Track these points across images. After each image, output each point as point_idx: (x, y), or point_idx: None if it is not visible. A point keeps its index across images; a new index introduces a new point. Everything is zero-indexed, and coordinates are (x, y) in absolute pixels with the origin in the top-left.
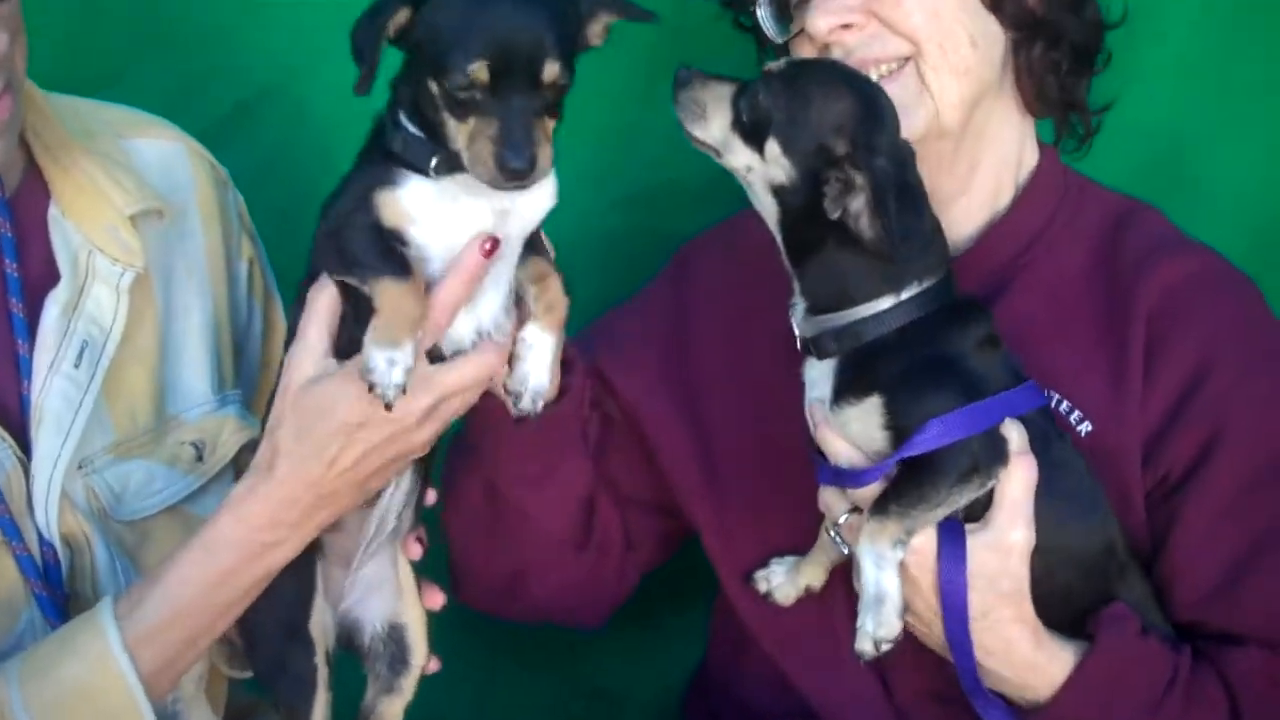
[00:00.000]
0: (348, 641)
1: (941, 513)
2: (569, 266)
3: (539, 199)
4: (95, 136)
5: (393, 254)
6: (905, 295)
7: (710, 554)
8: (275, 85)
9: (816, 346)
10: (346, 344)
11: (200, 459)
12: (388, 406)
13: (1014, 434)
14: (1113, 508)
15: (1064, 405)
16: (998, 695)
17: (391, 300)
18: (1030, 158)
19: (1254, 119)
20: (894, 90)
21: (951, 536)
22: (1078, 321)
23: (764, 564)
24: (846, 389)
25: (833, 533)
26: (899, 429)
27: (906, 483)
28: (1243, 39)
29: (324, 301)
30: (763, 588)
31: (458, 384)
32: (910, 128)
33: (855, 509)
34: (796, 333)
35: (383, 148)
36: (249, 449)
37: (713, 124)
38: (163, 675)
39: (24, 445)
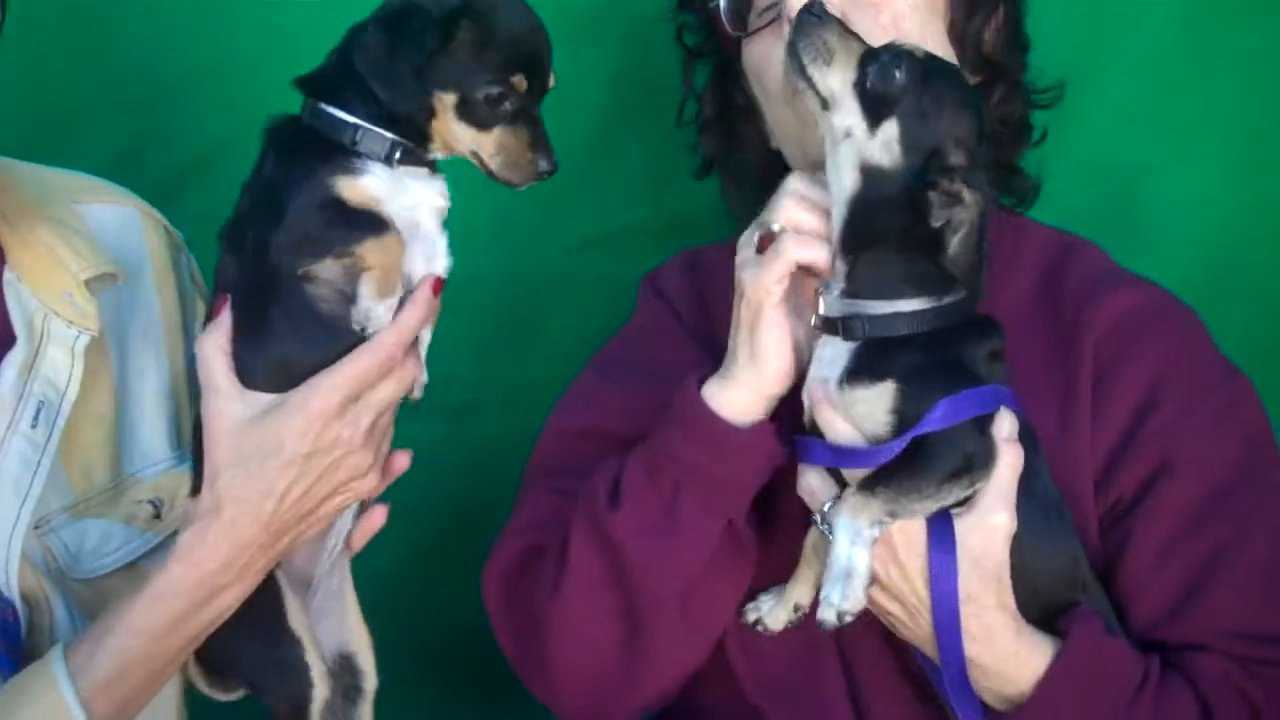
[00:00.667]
0: None
1: (928, 506)
2: (525, 309)
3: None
4: (51, 202)
5: (360, 215)
6: (944, 301)
7: None
8: (225, 143)
9: (845, 328)
10: (273, 381)
11: (158, 516)
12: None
13: (1006, 422)
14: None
15: None
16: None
17: (379, 255)
18: None
19: (1199, 154)
20: None
21: (940, 522)
22: (1024, 359)
23: (750, 597)
24: (862, 372)
25: (819, 519)
26: (904, 417)
27: (899, 468)
28: (1185, 74)
29: (213, 344)
30: (751, 618)
31: (368, 371)
32: None
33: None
34: (821, 311)
35: (315, 145)
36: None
37: (833, 73)
38: None
39: None
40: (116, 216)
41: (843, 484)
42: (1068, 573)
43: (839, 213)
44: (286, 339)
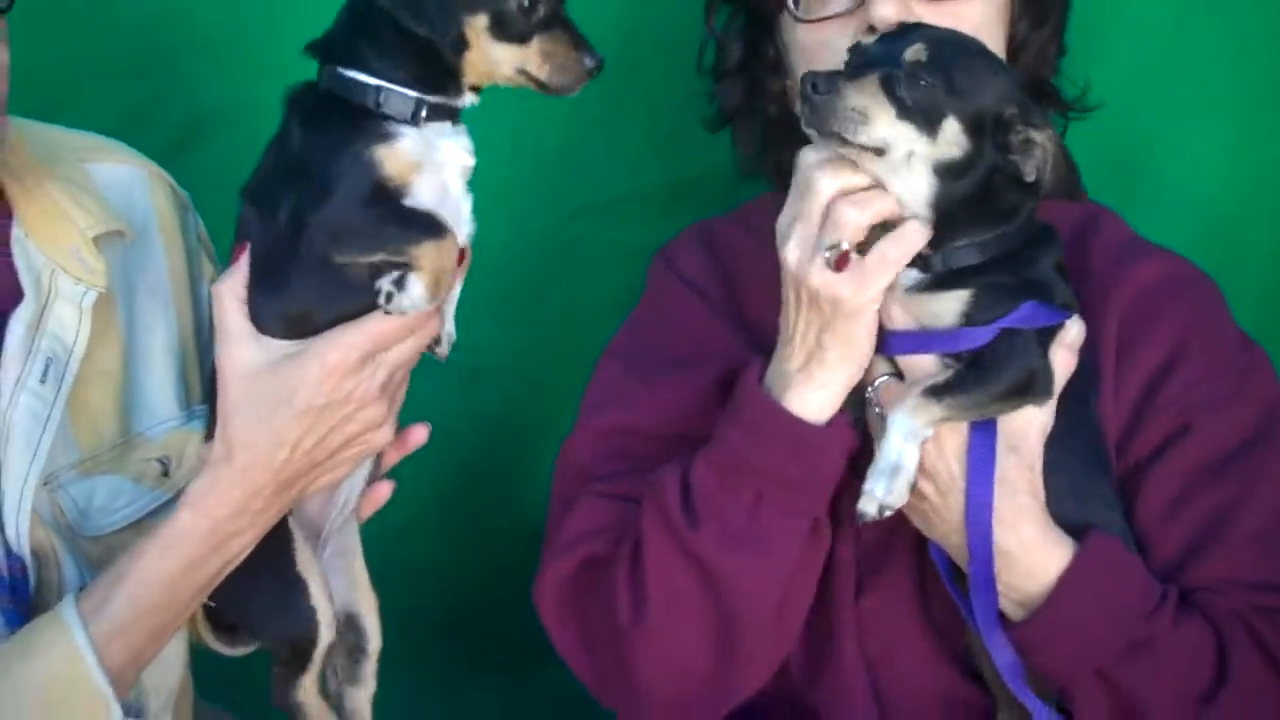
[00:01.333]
0: None
1: (985, 414)
2: (531, 275)
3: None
4: (59, 160)
5: (418, 215)
6: (1012, 225)
7: None
8: (228, 106)
9: (924, 262)
10: (289, 334)
11: (166, 474)
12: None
13: (1074, 329)
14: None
15: None
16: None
17: (435, 259)
18: None
19: (1206, 118)
20: None
21: None
22: None
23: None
24: (937, 283)
25: (869, 391)
26: (972, 320)
27: (965, 378)
28: (1193, 36)
29: (229, 289)
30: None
31: (387, 333)
32: None
33: (894, 373)
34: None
35: (340, 111)
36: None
37: (877, 124)
38: (129, 670)
39: None
40: (124, 175)
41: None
42: (1092, 505)
43: (912, 198)
44: (307, 295)
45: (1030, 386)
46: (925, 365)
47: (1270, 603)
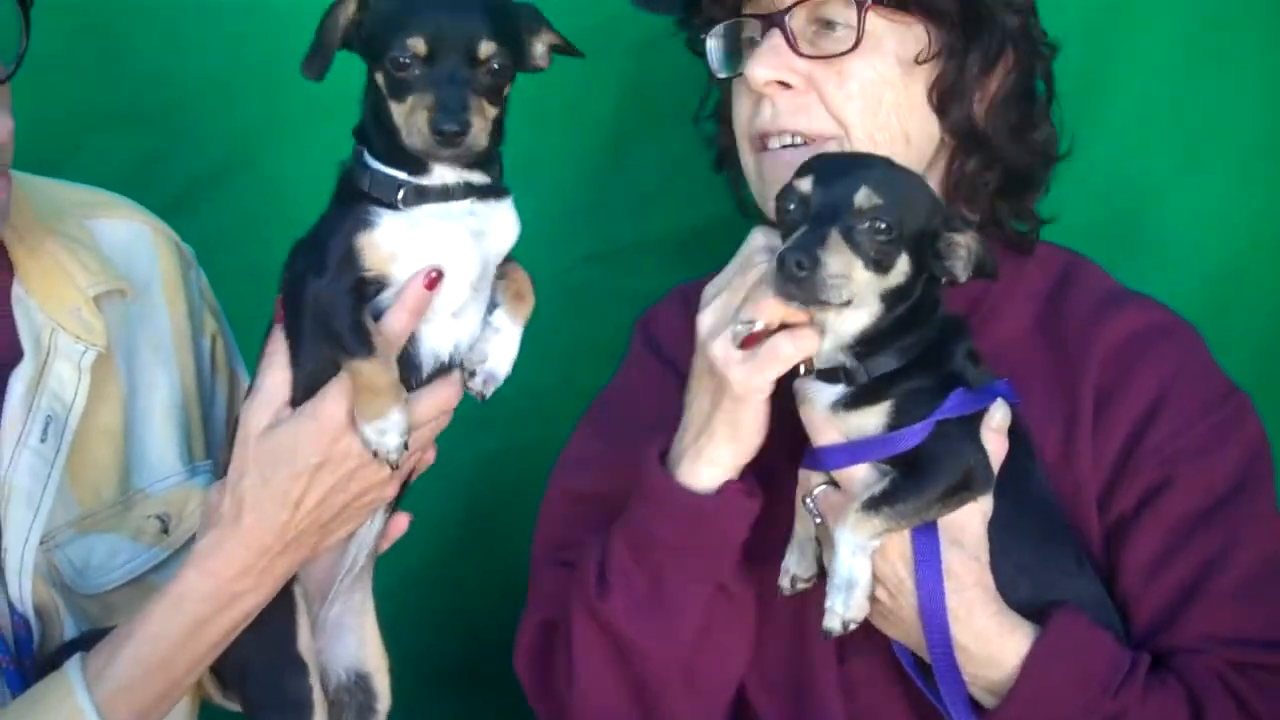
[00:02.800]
0: None
1: (927, 517)
2: (538, 321)
3: (509, 221)
4: (62, 217)
5: (362, 329)
6: (929, 324)
7: None
8: (234, 159)
9: (847, 375)
10: (302, 394)
11: (165, 531)
12: (393, 467)
13: (998, 414)
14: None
15: None
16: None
17: (365, 380)
18: None
19: (1205, 168)
20: (800, 158)
21: None
22: (1025, 382)
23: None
24: (860, 398)
25: (808, 502)
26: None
27: (901, 486)
28: (1195, 87)
29: (279, 357)
30: (785, 582)
31: (419, 420)
32: None
33: (829, 481)
34: (817, 365)
35: (351, 190)
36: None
37: (854, 282)
38: None
39: None
40: (127, 232)
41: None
42: (1051, 576)
43: (853, 331)
44: (313, 359)
45: (969, 482)
46: (859, 475)
47: (1249, 658)
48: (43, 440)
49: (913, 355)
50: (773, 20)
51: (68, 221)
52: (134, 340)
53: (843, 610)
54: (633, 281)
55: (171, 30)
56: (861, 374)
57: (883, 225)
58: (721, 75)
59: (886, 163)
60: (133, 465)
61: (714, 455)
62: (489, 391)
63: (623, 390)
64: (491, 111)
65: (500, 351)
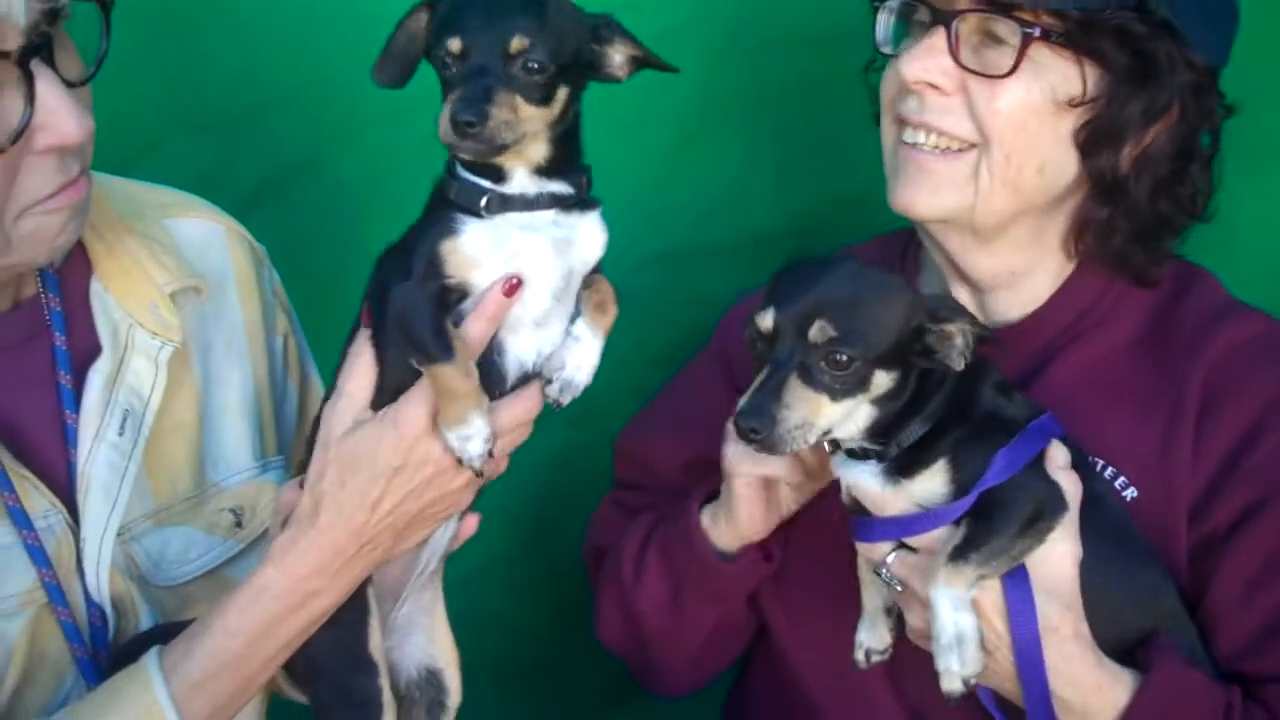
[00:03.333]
0: None
1: (1017, 558)
2: None
3: (596, 232)
4: (140, 216)
5: (442, 334)
6: (945, 387)
7: (765, 605)
8: (303, 162)
9: (878, 454)
10: (388, 398)
11: (239, 525)
12: (478, 474)
13: (1060, 454)
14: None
15: (1109, 471)
16: None
17: (445, 383)
18: (1067, 266)
19: (1269, 169)
20: (941, 166)
21: None
22: (1125, 391)
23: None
24: (910, 466)
25: (882, 573)
26: (962, 484)
27: (979, 530)
28: (1266, 92)
29: (364, 360)
30: (860, 656)
31: (501, 429)
32: (939, 206)
33: (901, 545)
34: (842, 449)
35: (441, 199)
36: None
37: (820, 422)
38: None
39: (72, 511)
40: (202, 231)
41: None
42: (1146, 598)
43: (853, 434)
44: (400, 364)
45: (1043, 511)
46: (926, 539)
47: None
48: (120, 434)
49: (940, 413)
50: (942, 19)
51: (146, 220)
52: (208, 337)
53: (960, 668)
54: (695, 284)
55: (245, 36)
56: (892, 448)
57: (842, 358)
58: (886, 50)
59: (851, 275)
60: (207, 459)
61: (721, 525)
62: (565, 400)
63: (690, 376)
64: (531, 110)
65: (579, 360)
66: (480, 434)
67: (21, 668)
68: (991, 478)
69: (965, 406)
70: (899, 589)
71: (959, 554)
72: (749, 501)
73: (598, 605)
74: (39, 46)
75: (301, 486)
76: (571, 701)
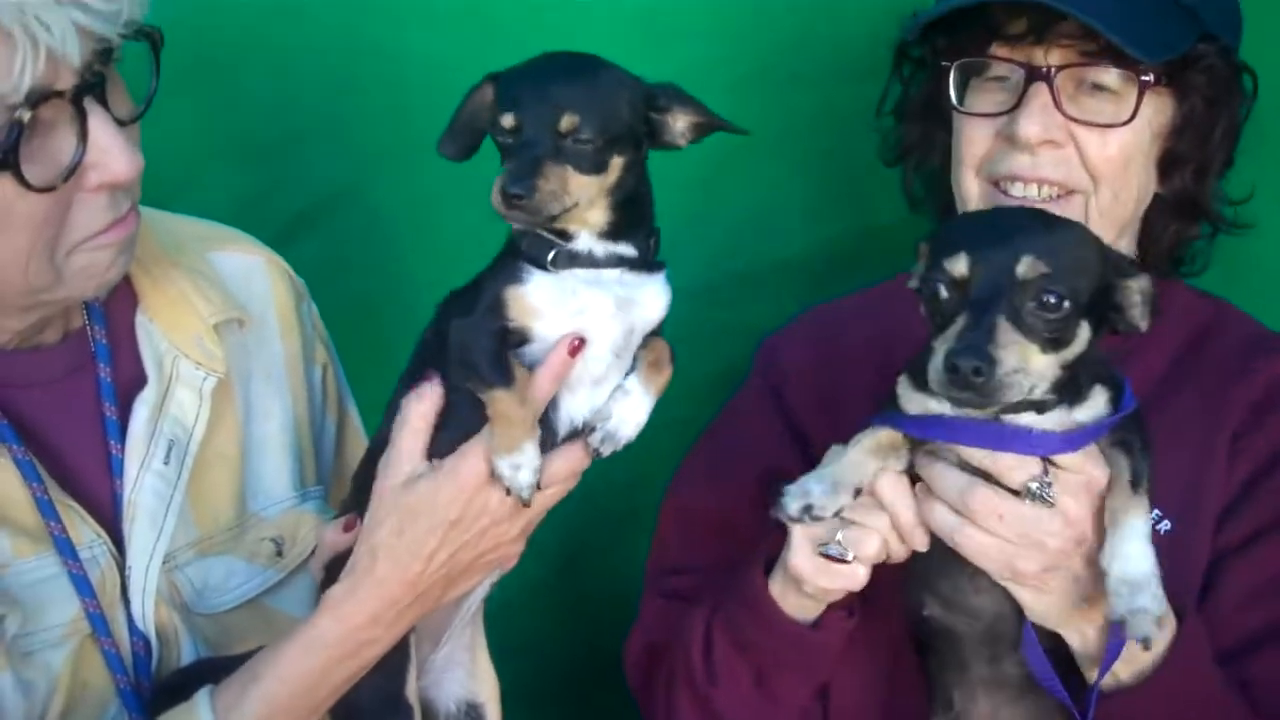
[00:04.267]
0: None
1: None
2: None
3: (659, 294)
4: (184, 249)
5: (503, 362)
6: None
7: None
8: (343, 192)
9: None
10: (444, 447)
11: (280, 554)
12: (525, 504)
13: None
14: (1178, 595)
15: None
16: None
17: (502, 409)
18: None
19: None
20: (1053, 208)
21: None
22: (1157, 421)
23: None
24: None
25: (1037, 489)
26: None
27: (1133, 452)
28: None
29: (419, 411)
30: (797, 507)
31: (548, 480)
32: None
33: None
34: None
35: (511, 249)
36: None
37: (1031, 371)
38: None
39: (116, 541)
40: (244, 264)
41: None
42: None
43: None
44: (463, 412)
45: (1148, 442)
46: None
47: None
48: (166, 463)
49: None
50: (1040, 75)
51: (189, 253)
52: (250, 368)
53: (1155, 606)
54: (726, 316)
55: (283, 66)
56: (1052, 402)
57: (1053, 299)
58: (959, 106)
59: (1044, 217)
60: (248, 489)
61: (795, 601)
62: (606, 451)
63: (736, 413)
64: (583, 180)
65: (626, 414)
66: (531, 464)
67: (65, 699)
68: (1127, 401)
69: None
70: (1049, 499)
71: (1136, 480)
72: (829, 596)
73: (670, 708)
74: (92, 85)
75: (346, 529)
76: None
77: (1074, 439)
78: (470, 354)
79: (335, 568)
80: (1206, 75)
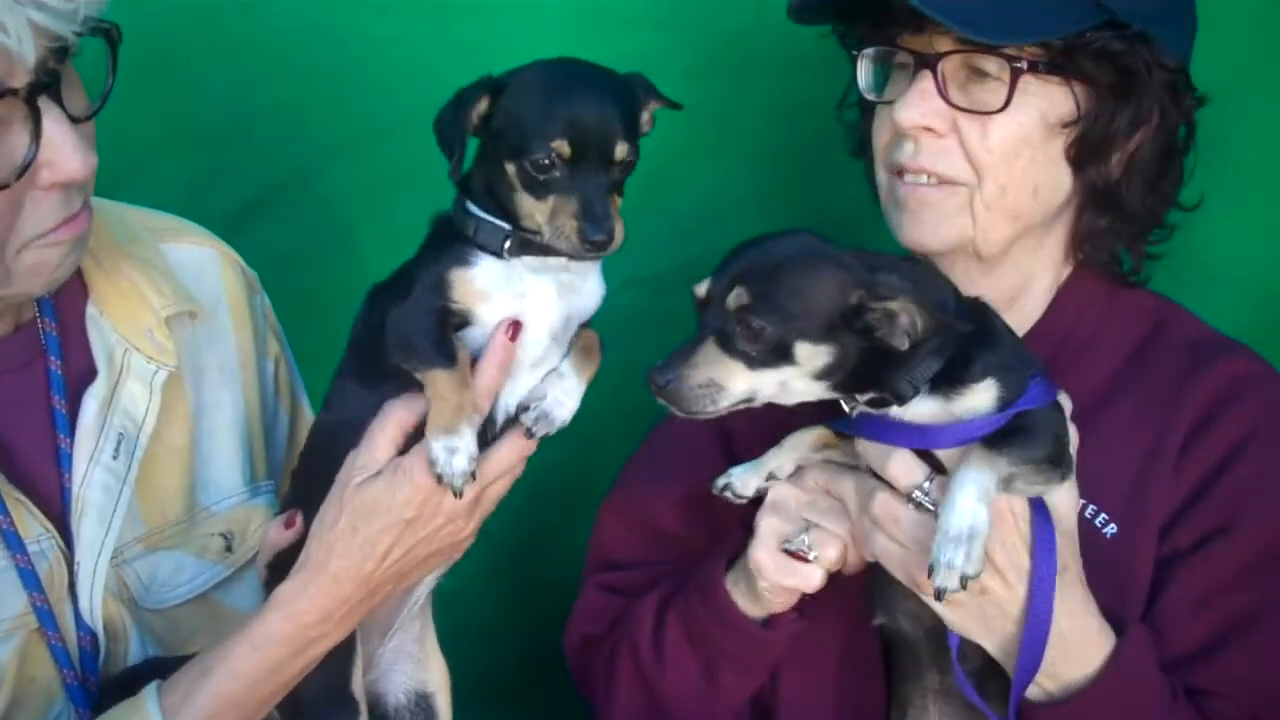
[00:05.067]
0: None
1: (1038, 485)
2: None
3: (597, 283)
4: (136, 241)
5: (445, 343)
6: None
7: None
8: (295, 178)
9: (897, 397)
10: (350, 433)
11: (229, 549)
12: (457, 494)
13: (1065, 399)
14: (1121, 598)
15: (1089, 510)
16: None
17: (442, 390)
18: (1064, 270)
19: (1250, 196)
20: (935, 197)
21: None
22: (1104, 424)
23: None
24: (955, 384)
25: (919, 496)
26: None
27: (1014, 438)
28: (1239, 115)
29: (397, 416)
30: (721, 483)
31: (496, 470)
32: (939, 238)
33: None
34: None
35: (450, 235)
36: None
37: (733, 386)
38: None
39: (64, 535)
40: (196, 256)
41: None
42: None
43: (813, 396)
44: (391, 395)
45: (1062, 454)
46: (954, 453)
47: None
48: (115, 457)
49: (953, 348)
50: (926, 62)
51: (141, 244)
52: (201, 361)
53: (964, 563)
54: (677, 303)
55: (234, 52)
56: (908, 390)
57: (754, 325)
58: (870, 97)
59: (787, 246)
60: (198, 484)
61: (757, 594)
62: (540, 431)
63: (669, 427)
64: (619, 202)
65: (560, 395)
66: (468, 451)
67: (10, 692)
68: (1025, 402)
69: (989, 336)
70: (931, 509)
71: (994, 445)
72: (780, 596)
73: (608, 693)
74: (47, 84)
75: (287, 526)
76: (559, 717)
77: (943, 434)
78: (410, 334)
79: (279, 566)
80: (1101, 62)
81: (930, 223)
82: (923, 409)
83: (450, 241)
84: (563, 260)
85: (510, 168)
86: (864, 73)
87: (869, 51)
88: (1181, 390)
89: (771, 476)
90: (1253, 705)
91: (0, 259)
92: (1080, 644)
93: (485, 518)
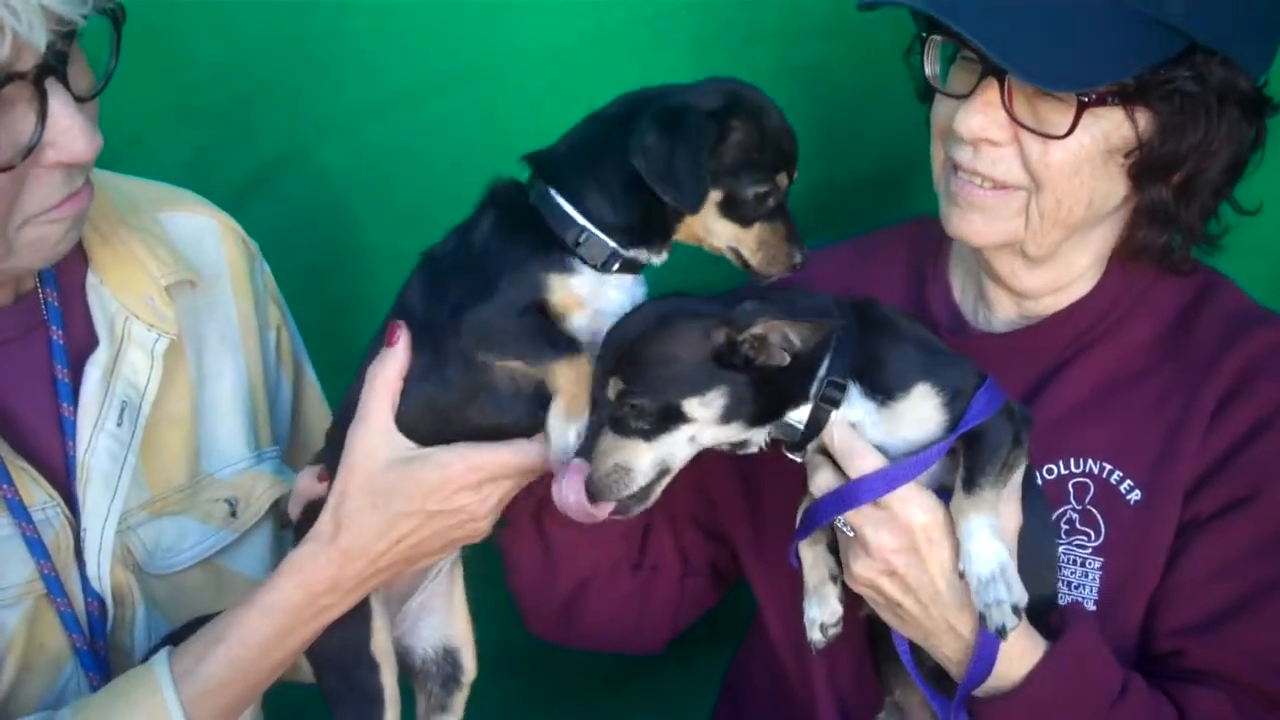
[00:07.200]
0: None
1: (1005, 482)
2: None
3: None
4: (136, 210)
5: (559, 334)
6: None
7: (749, 576)
8: (293, 153)
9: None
10: (429, 422)
11: (234, 514)
12: (560, 464)
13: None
14: (1142, 564)
15: (1114, 475)
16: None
17: (571, 379)
18: (1109, 255)
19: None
20: (990, 201)
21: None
22: (1138, 391)
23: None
24: (886, 396)
25: (842, 525)
26: (953, 407)
27: (978, 456)
28: None
29: (384, 379)
30: (816, 635)
31: (515, 468)
32: (989, 234)
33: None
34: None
35: (532, 227)
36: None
37: (638, 463)
38: None
39: (69, 503)
40: (196, 225)
41: None
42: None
43: (727, 438)
44: (452, 391)
45: (1020, 430)
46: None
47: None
48: (119, 424)
49: (851, 347)
50: (994, 69)
51: (141, 214)
52: (202, 329)
53: (1009, 595)
54: (684, 278)
55: (232, 26)
56: (824, 410)
57: (640, 405)
58: (935, 85)
59: (639, 321)
60: (202, 450)
61: None
62: None
63: None
64: None
65: None
66: (580, 430)
67: (20, 658)
68: (972, 418)
69: (887, 330)
70: (850, 534)
71: (968, 484)
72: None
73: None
74: (54, 66)
75: (320, 478)
76: (566, 686)
77: (900, 470)
78: (510, 331)
79: (310, 514)
80: (1172, 96)
81: (980, 222)
82: (858, 413)
83: (535, 237)
84: (641, 277)
85: (714, 195)
86: (930, 59)
87: (937, 39)
88: (1216, 359)
89: (835, 580)
90: (1261, 678)
91: (2, 234)
92: (1006, 662)
93: (505, 503)
